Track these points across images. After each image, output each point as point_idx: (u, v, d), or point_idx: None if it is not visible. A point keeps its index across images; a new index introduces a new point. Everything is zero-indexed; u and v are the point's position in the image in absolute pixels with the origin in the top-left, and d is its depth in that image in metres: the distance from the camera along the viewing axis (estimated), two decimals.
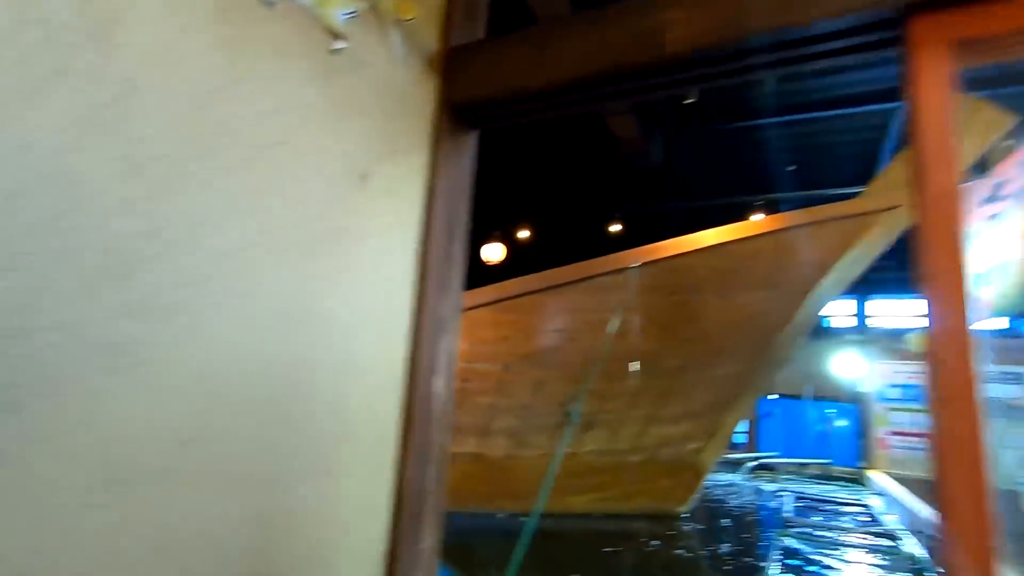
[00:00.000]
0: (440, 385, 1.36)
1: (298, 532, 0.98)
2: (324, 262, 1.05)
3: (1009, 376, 10.24)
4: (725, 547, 5.94)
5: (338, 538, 1.06)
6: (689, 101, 7.90)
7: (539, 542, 5.97)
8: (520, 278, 6.17)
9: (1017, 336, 12.26)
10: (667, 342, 6.23)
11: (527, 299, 6.02)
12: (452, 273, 1.40)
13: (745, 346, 6.54)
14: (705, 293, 6.11)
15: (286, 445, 0.96)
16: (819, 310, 6.77)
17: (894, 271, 15.54)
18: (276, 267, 0.95)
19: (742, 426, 12.89)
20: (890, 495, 9.00)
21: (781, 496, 8.79)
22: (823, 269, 6.31)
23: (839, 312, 16.38)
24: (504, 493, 6.53)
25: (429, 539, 1.27)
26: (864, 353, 11.58)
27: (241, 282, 0.89)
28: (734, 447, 12.61)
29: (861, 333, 13.14)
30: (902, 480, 9.60)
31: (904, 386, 11.12)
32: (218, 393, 0.85)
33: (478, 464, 6.44)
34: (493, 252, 10.37)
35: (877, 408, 11.24)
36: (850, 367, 11.84)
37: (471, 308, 6.02)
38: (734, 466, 11.45)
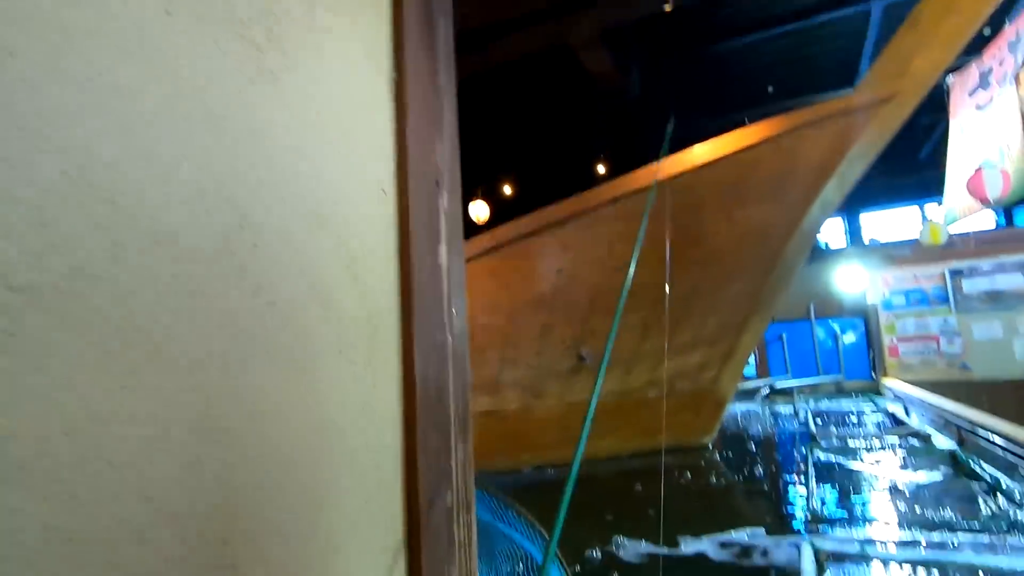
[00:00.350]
0: (445, 256, 1.04)
1: (270, 438, 0.66)
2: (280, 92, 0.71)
3: (1016, 266, 10.12)
4: (758, 470, 5.79)
5: (330, 443, 0.75)
6: (668, 7, 7.42)
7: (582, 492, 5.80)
8: (514, 221, 5.82)
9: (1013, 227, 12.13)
10: (674, 268, 5.94)
11: (524, 243, 5.68)
12: (441, 105, 1.05)
13: (754, 262, 6.27)
14: (709, 211, 5.79)
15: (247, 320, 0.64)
16: (824, 218, 6.50)
17: (884, 182, 15.37)
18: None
19: (751, 355, 12.81)
20: (909, 399, 8.94)
21: (801, 416, 8.69)
22: (825, 173, 6.01)
23: (834, 230, 16.27)
24: (524, 447, 6.32)
25: (458, 448, 0.97)
26: (865, 265, 11.42)
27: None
28: (745, 377, 12.57)
29: (859, 247, 12.96)
30: (917, 384, 9.55)
31: (908, 292, 11.01)
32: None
33: (493, 421, 6.20)
34: (480, 210, 9.98)
35: (884, 318, 11.15)
36: (852, 281, 11.68)
37: (467, 260, 5.69)
38: (748, 395, 11.37)
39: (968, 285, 10.47)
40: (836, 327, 12.00)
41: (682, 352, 6.51)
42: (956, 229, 11.72)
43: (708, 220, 5.88)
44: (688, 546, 3.67)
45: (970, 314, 10.35)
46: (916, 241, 12.01)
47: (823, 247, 13.30)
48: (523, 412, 6.22)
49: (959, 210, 10.51)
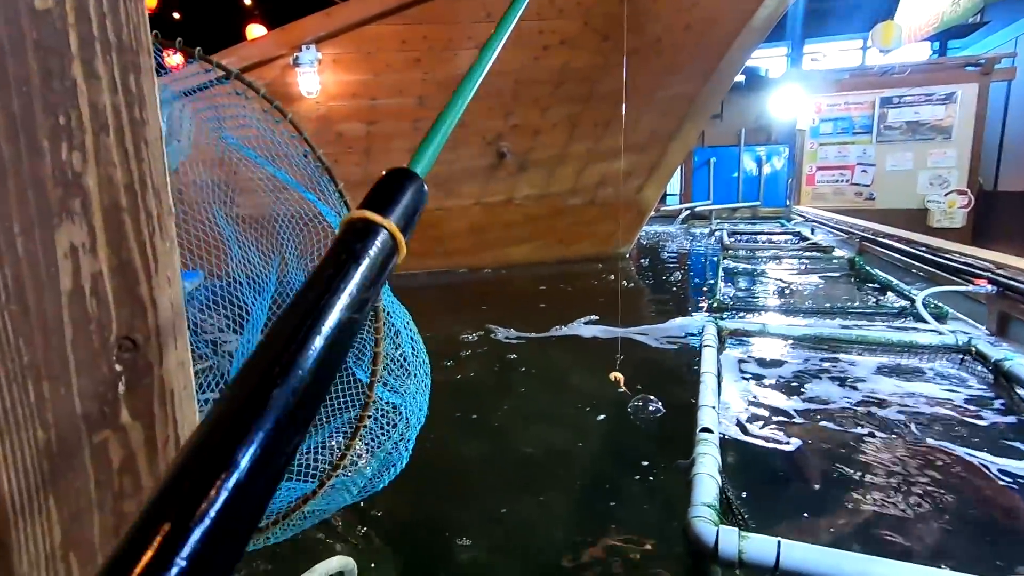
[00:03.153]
0: None
1: None
2: None
3: (941, 98, 10.17)
4: (671, 277, 5.84)
5: None
6: None
7: (480, 291, 5.74)
8: None
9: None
10: (610, 57, 5.24)
11: (440, 2, 4.68)
12: None
13: (697, 60, 5.65)
14: None
15: None
16: (772, 20, 5.81)
17: (831, 7, 14.49)
18: None
19: (676, 179, 12.79)
20: (817, 219, 9.32)
21: (716, 233, 8.88)
22: None
23: (776, 59, 15.69)
24: (434, 251, 6.00)
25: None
26: (801, 90, 11.11)
27: None
28: (665, 201, 12.67)
29: (799, 72, 12.52)
30: (827, 211, 9.96)
31: (836, 119, 10.97)
32: None
33: None
34: None
35: (808, 145, 11.22)
36: (785, 107, 11.45)
37: (364, 22, 4.69)
38: (668, 218, 11.54)
39: (893, 115, 10.51)
40: (763, 153, 12.00)
41: (609, 157, 6.10)
42: (896, 56, 11.48)
43: (654, 2, 5.07)
44: (560, 331, 3.67)
45: (888, 144, 10.56)
46: (855, 68, 11.77)
47: (762, 74, 12.80)
48: (436, 212, 5.77)
49: (906, 31, 10.07)
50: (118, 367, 0.51)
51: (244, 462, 0.17)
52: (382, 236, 0.23)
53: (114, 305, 0.50)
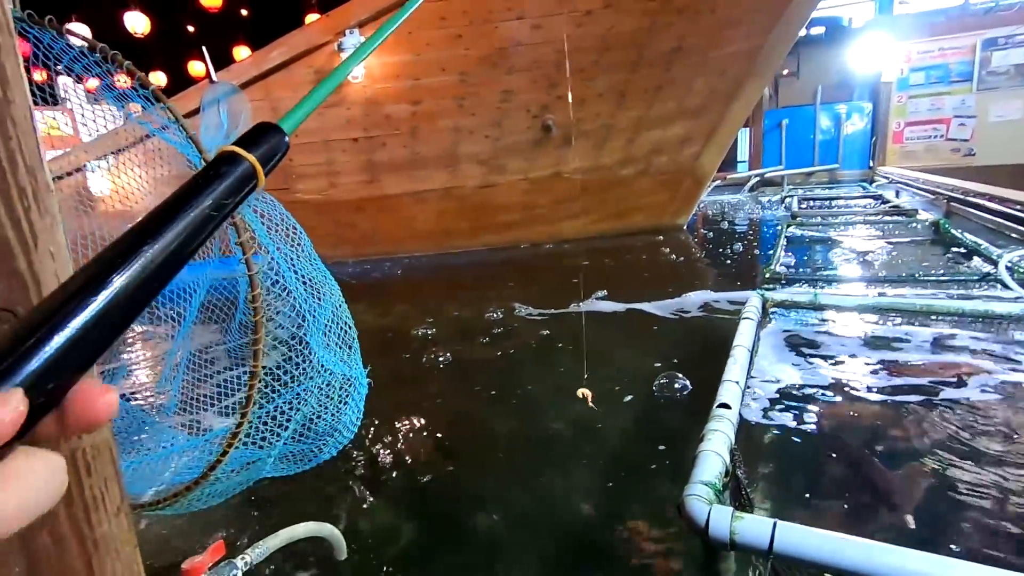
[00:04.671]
0: None
1: None
2: None
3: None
4: (729, 249, 5.54)
5: None
6: None
7: (534, 267, 5.70)
8: None
9: None
10: (658, 17, 4.96)
11: None
12: None
13: (754, 12, 5.24)
14: None
15: None
16: None
17: None
18: None
19: (744, 145, 12.05)
20: (902, 180, 8.51)
21: (787, 200, 8.32)
22: None
23: (861, 6, 14.25)
24: (486, 226, 6.01)
25: None
26: (889, 37, 10.06)
27: None
28: (733, 167, 11.97)
29: (887, 17, 11.29)
30: (918, 171, 9.05)
31: (929, 68, 9.88)
32: None
33: (451, 200, 5.78)
34: None
35: (896, 99, 10.20)
36: (870, 58, 10.42)
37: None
38: (736, 186, 10.92)
39: (999, 58, 9.32)
40: (842, 111, 11.01)
41: (662, 123, 5.83)
42: None
43: None
44: (584, 306, 3.60)
45: (991, 92, 9.40)
46: (953, 8, 10.48)
47: (844, 24, 11.64)
48: (484, 190, 5.77)
49: None
50: None
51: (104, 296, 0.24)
52: (244, 164, 0.30)
53: None
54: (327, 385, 0.98)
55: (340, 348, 1.01)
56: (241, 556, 1.03)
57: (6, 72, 0.54)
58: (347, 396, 1.02)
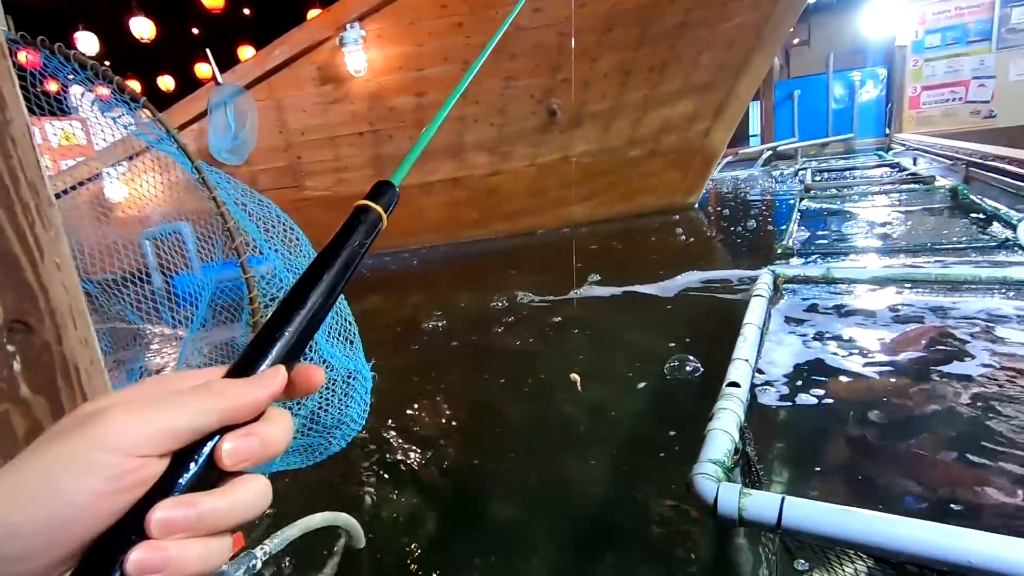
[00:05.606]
0: None
1: None
2: None
3: None
4: (740, 227, 5.47)
5: None
6: None
7: (548, 251, 5.70)
8: None
9: None
10: None
11: None
12: None
13: None
14: None
15: None
16: None
17: None
18: None
19: (755, 118, 11.82)
20: (919, 147, 8.30)
21: (801, 173, 8.17)
22: None
23: None
24: (496, 215, 6.01)
25: None
26: None
27: None
28: (745, 142, 11.76)
29: None
30: (936, 136, 8.81)
31: (946, 29, 9.57)
32: None
33: (460, 189, 5.78)
34: None
35: (911, 63, 9.91)
36: (884, 21, 10.12)
37: None
38: (748, 161, 10.74)
39: (1019, 14, 8.99)
40: (856, 78, 10.74)
41: (669, 101, 5.75)
42: None
43: None
44: (585, 291, 3.59)
45: (1012, 50, 9.09)
46: None
47: None
48: (492, 178, 5.76)
49: None
50: (10, 347, 0.57)
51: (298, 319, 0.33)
52: (373, 213, 0.40)
53: None
54: (330, 380, 1.01)
55: (342, 343, 1.03)
56: (260, 546, 1.07)
57: (2, 93, 0.57)
58: (351, 390, 1.05)
